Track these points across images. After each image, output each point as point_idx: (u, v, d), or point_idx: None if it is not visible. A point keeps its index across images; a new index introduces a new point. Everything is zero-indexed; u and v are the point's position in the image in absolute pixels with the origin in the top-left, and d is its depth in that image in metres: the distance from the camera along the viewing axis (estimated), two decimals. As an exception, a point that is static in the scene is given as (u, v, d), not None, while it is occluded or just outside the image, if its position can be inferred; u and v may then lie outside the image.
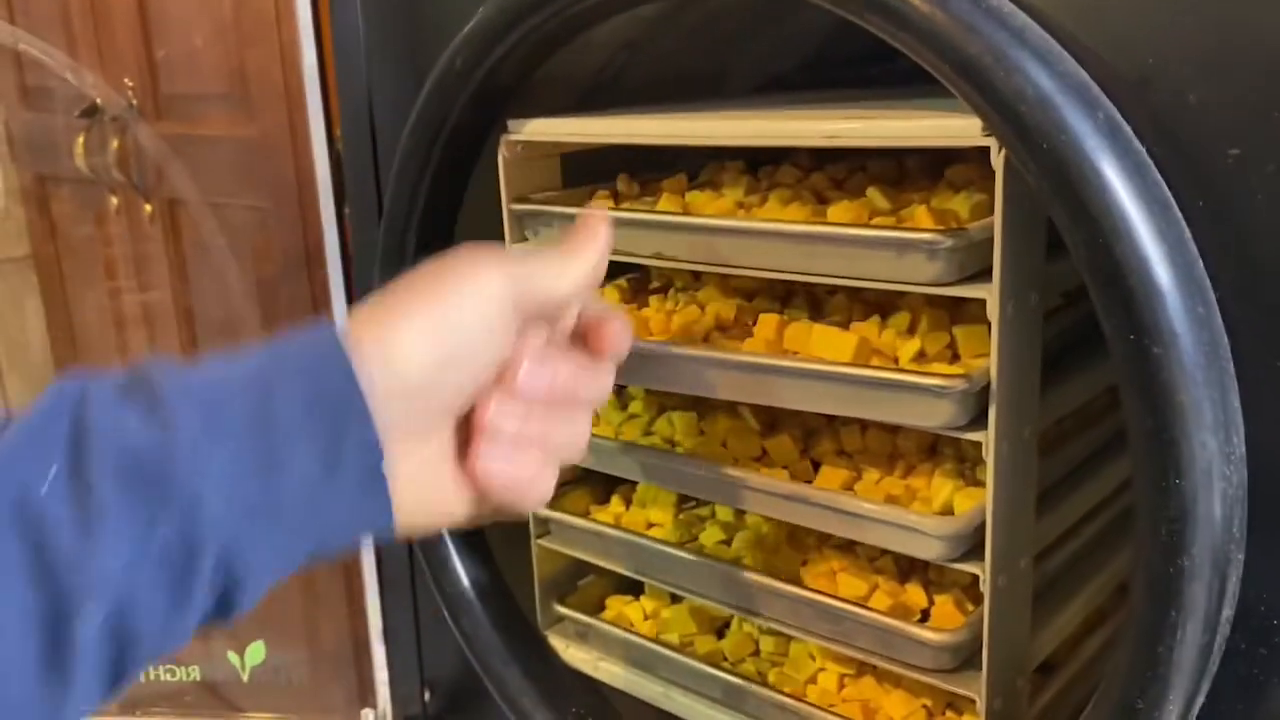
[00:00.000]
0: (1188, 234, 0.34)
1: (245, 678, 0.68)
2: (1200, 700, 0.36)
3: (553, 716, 0.58)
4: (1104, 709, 0.36)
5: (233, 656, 0.67)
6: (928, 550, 0.42)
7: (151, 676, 0.70)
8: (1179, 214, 0.34)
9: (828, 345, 0.44)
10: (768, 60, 0.68)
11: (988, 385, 0.39)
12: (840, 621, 0.46)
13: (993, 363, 0.39)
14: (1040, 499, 0.46)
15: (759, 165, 0.56)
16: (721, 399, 0.49)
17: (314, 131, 0.58)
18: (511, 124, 0.53)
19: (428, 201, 0.55)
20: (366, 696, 0.67)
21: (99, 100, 1.02)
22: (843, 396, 0.42)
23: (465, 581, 0.60)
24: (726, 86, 0.67)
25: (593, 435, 0.54)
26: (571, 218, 0.53)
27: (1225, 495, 0.33)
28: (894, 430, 0.49)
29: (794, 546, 0.52)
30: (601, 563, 0.57)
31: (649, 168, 0.58)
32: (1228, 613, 0.35)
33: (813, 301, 0.52)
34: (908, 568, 0.49)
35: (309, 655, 0.74)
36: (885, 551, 0.49)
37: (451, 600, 0.60)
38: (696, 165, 0.58)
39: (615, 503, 0.59)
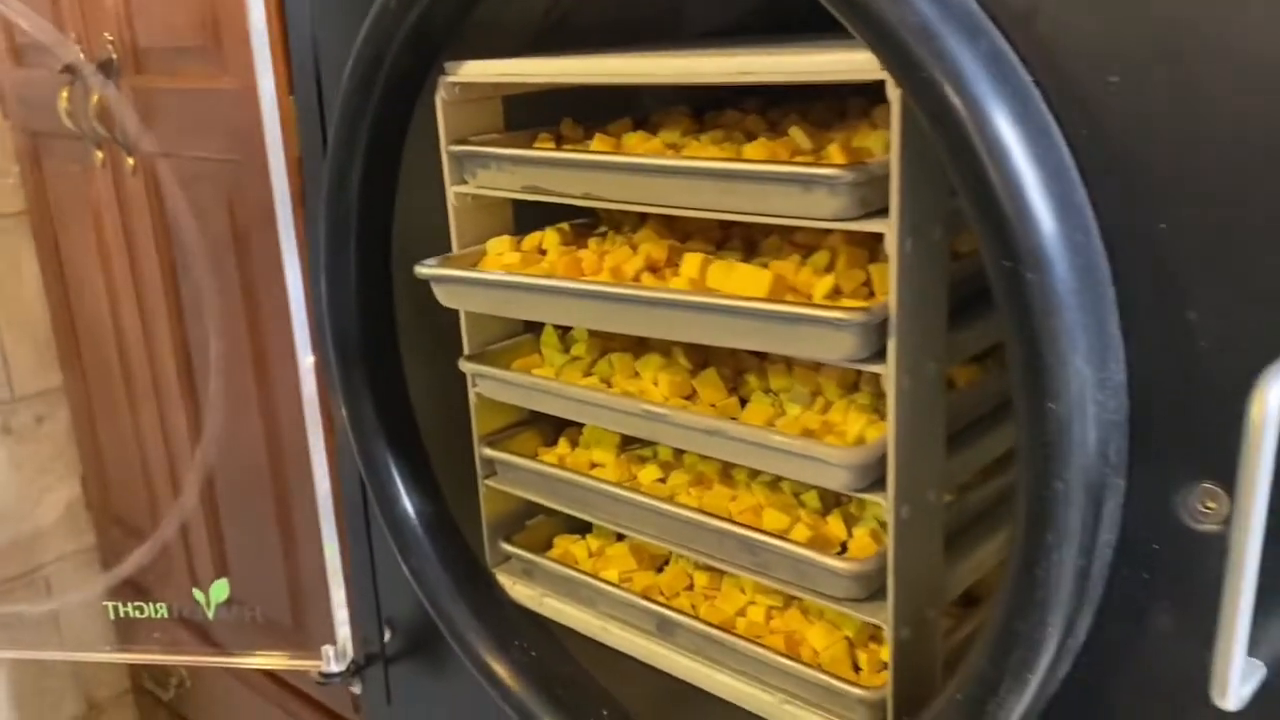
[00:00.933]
0: (1069, 161, 0.34)
1: (210, 614, 0.69)
2: (1084, 623, 0.37)
3: (499, 652, 0.59)
4: (989, 632, 0.37)
5: (198, 594, 0.69)
6: (834, 480, 0.42)
7: (121, 614, 0.72)
8: (1060, 141, 0.34)
9: (745, 283, 0.45)
10: (721, 6, 0.67)
11: (887, 319, 0.40)
12: (759, 553, 0.47)
13: (891, 297, 0.39)
14: (958, 435, 0.46)
15: (706, 111, 0.56)
16: (640, 335, 0.49)
17: (261, 80, 0.59)
18: (449, 65, 0.53)
19: (370, 144, 0.56)
20: (328, 634, 0.68)
21: (81, 54, 1.03)
22: (751, 331, 0.43)
23: (414, 520, 0.61)
24: (678, 33, 0.67)
25: (536, 376, 0.56)
26: (509, 159, 0.53)
27: (1100, 421, 0.34)
28: (817, 368, 0.49)
29: (725, 484, 0.53)
30: (546, 502, 0.58)
31: (600, 115, 0.58)
32: (1108, 537, 0.35)
33: (749, 245, 0.52)
34: (832, 503, 0.50)
35: (273, 593, 0.75)
36: (812, 488, 0.50)
37: (401, 539, 0.61)
38: (648, 111, 0.58)
39: (562, 445, 0.60)
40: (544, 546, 0.61)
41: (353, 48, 0.54)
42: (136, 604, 0.71)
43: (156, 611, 0.70)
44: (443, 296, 0.54)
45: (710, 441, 0.46)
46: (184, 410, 1.06)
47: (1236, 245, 0.32)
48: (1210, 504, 0.34)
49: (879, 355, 0.40)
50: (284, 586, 0.94)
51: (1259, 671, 0.34)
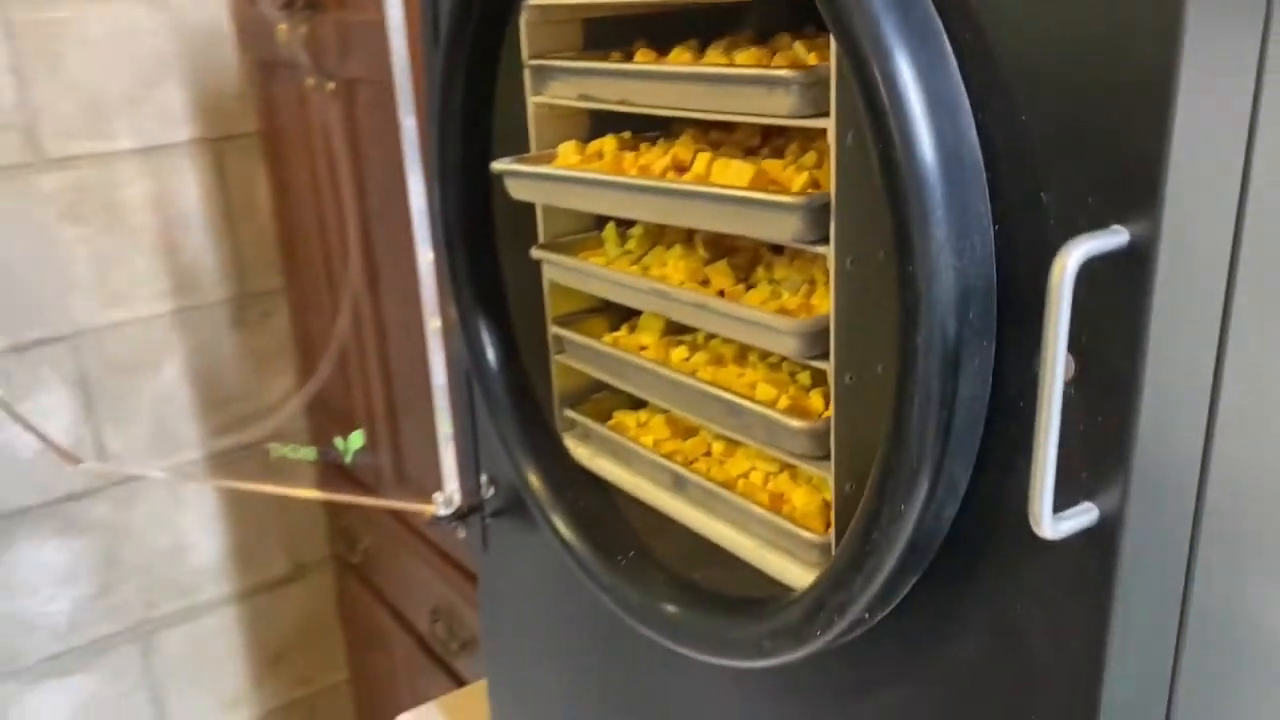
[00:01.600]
0: (953, 64, 0.39)
1: (348, 459, 0.83)
2: (962, 470, 0.42)
3: (555, 499, 0.68)
4: (875, 470, 0.43)
5: (338, 441, 0.82)
6: (786, 347, 0.49)
7: (275, 454, 0.87)
8: (947, 45, 0.39)
9: (735, 176, 0.51)
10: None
11: (828, 204, 0.46)
12: (742, 415, 0.54)
13: (831, 184, 0.45)
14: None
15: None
16: (648, 221, 0.57)
17: (390, 11, 0.69)
18: (531, -9, 0.62)
19: (469, 61, 0.65)
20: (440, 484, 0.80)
21: (296, -9, 1.18)
22: (722, 215, 0.50)
23: (501, 387, 0.71)
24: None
25: (584, 261, 0.64)
26: (567, 70, 0.61)
27: (959, 286, 0.39)
28: (814, 260, 0.55)
29: (738, 364, 0.60)
30: (597, 375, 0.66)
31: (677, 37, 0.65)
32: (972, 392, 0.40)
33: (776, 152, 0.59)
34: (821, 380, 0.56)
35: (398, 446, 0.87)
36: (805, 368, 0.56)
37: (491, 401, 0.72)
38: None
39: (623, 330, 0.68)
40: (605, 418, 0.70)
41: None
42: (292, 444, 0.85)
43: (307, 454, 0.84)
44: (511, 189, 0.64)
45: (699, 314, 0.54)
46: (369, 304, 1.22)
47: (1081, 137, 0.36)
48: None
49: (825, 239, 0.46)
50: (412, 445, 1.08)
51: (1090, 514, 0.38)
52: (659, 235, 0.64)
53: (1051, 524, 0.37)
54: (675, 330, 0.66)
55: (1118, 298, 0.36)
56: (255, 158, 1.51)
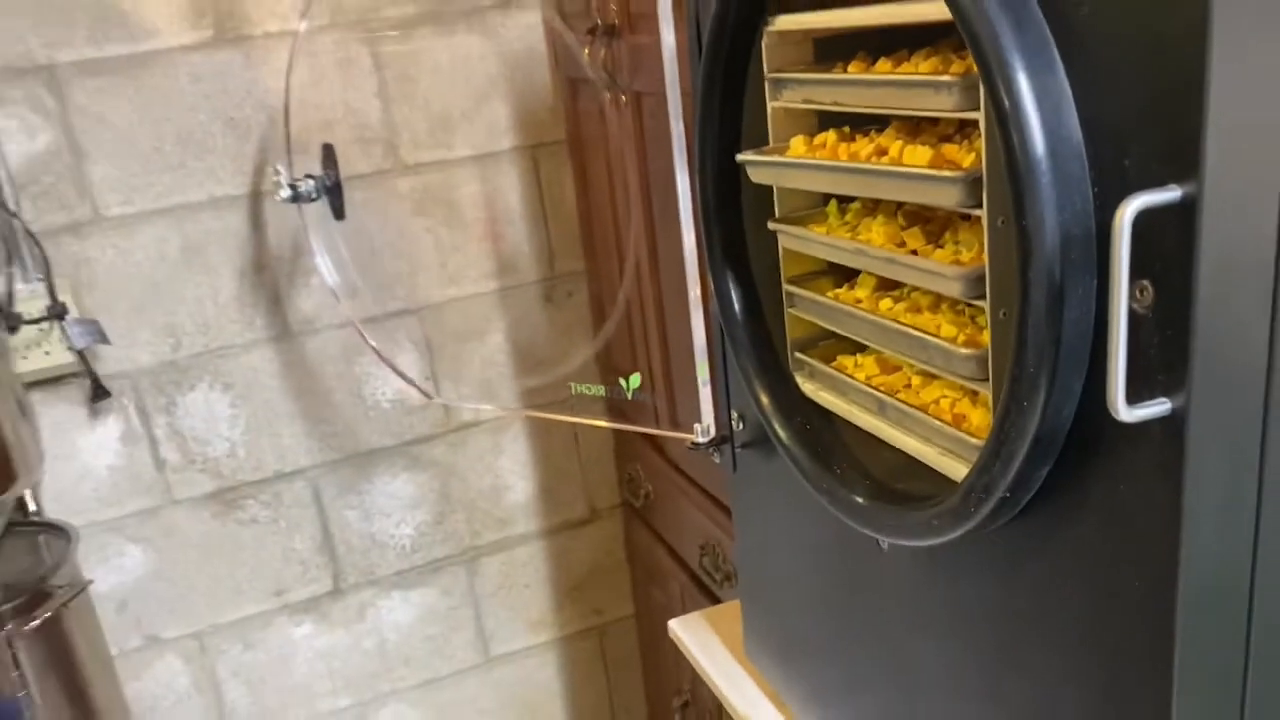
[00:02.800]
0: (1056, 56, 0.50)
1: (629, 395, 1.01)
2: (1076, 378, 0.53)
3: (787, 424, 0.83)
4: (1005, 390, 0.55)
5: (622, 381, 1.01)
6: (953, 289, 0.62)
7: (575, 391, 1.07)
8: (1049, 37, 0.51)
9: (919, 157, 0.65)
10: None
11: (980, 178, 0.58)
12: (928, 348, 0.67)
13: (983, 160, 0.58)
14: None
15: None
16: (845, 193, 0.70)
17: (664, 35, 0.87)
18: (769, 19, 0.77)
19: (725, 73, 0.82)
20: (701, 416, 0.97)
21: (599, 20, 1.39)
22: (908, 187, 0.63)
23: (745, 335, 0.87)
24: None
25: (807, 229, 0.78)
26: (804, 81, 0.76)
27: (1063, 235, 0.50)
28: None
29: (931, 312, 0.72)
30: (824, 324, 0.81)
31: (892, 49, 0.78)
32: (1077, 315, 0.52)
33: (964, 139, 0.71)
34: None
35: (669, 390, 1.04)
36: (977, 309, 0.68)
37: (736, 346, 0.88)
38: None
39: (844, 288, 0.82)
40: (827, 361, 0.84)
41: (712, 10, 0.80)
42: (586, 385, 1.05)
43: (595, 391, 1.03)
44: (753, 175, 0.79)
45: (889, 267, 0.67)
46: (648, 275, 1.41)
47: (1147, 119, 0.47)
48: (1140, 294, 0.49)
49: (980, 204, 0.59)
50: (679, 389, 1.25)
51: (1163, 406, 0.49)
52: (872, 209, 0.78)
53: (1126, 410, 0.49)
54: (885, 287, 0.79)
55: (1176, 241, 0.47)
56: (563, 161, 1.75)
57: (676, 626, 1.22)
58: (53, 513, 1.59)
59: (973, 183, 0.58)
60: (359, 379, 1.74)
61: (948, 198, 0.60)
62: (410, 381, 1.46)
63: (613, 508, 1.98)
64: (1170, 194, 0.46)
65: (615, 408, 1.36)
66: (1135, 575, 0.54)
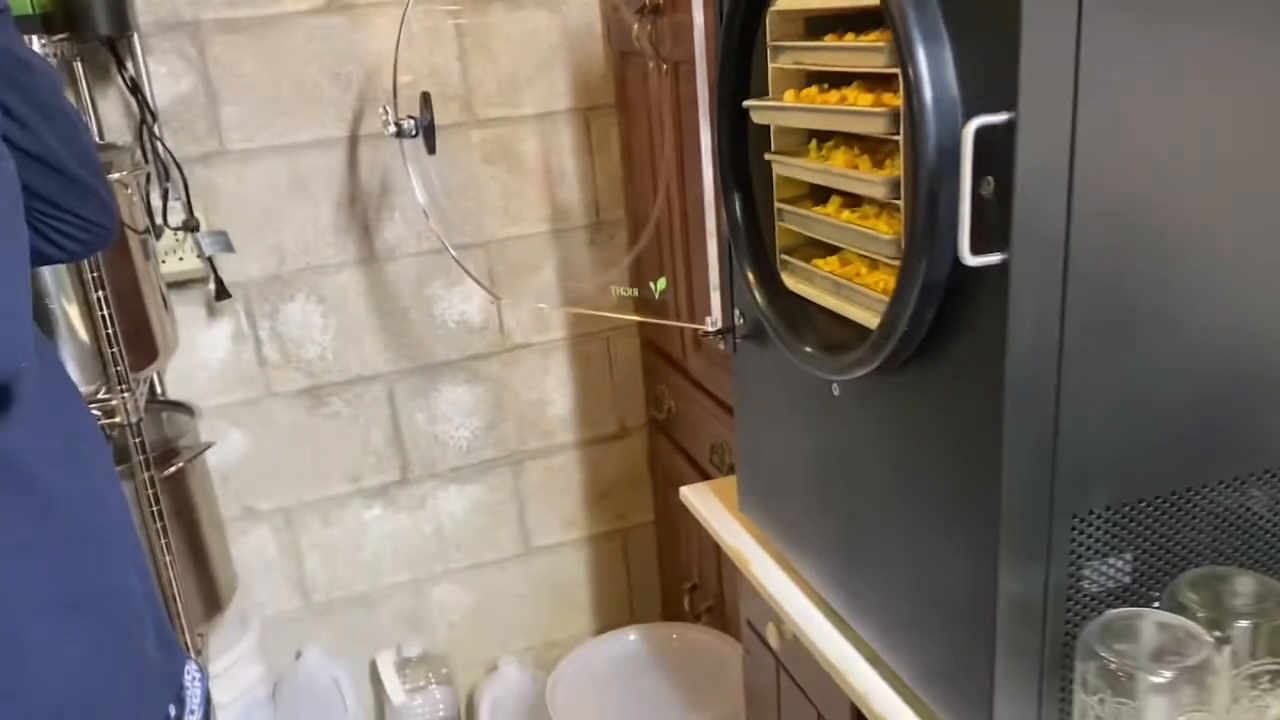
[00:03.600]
0: (944, 30, 0.76)
1: (657, 296, 1.27)
2: (947, 249, 0.79)
3: (775, 311, 1.09)
4: (903, 256, 0.81)
5: (652, 284, 1.27)
6: (879, 193, 0.87)
7: (614, 293, 1.33)
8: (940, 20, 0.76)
9: (864, 101, 0.90)
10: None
11: (899, 113, 0.84)
12: (868, 239, 0.93)
13: (902, 100, 0.83)
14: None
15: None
16: (819, 128, 0.96)
17: (695, 14, 1.13)
18: (773, 2, 1.03)
19: (739, 45, 1.07)
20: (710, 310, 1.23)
21: (645, 1, 1.65)
22: (854, 121, 0.89)
23: (747, 242, 1.13)
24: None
25: (791, 159, 1.04)
26: (796, 48, 1.02)
27: (939, 146, 0.76)
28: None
29: (876, 218, 0.98)
30: (804, 231, 1.07)
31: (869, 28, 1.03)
32: (950, 201, 0.77)
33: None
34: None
35: (690, 292, 1.28)
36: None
37: (739, 251, 1.14)
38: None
39: (820, 206, 1.08)
40: (807, 261, 1.10)
41: (730, -6, 1.06)
42: (626, 288, 1.32)
43: (629, 292, 1.30)
44: (755, 117, 1.05)
45: (843, 181, 0.93)
46: (677, 201, 1.67)
47: (995, 69, 0.73)
48: (986, 184, 0.75)
49: (898, 132, 0.84)
50: (696, 287, 1.52)
51: (998, 257, 0.75)
52: (837, 146, 1.03)
53: (971, 258, 0.74)
54: (848, 205, 1.04)
55: (1006, 149, 0.72)
56: (611, 122, 2.01)
57: (687, 492, 1.48)
58: (173, 396, 1.89)
59: (894, 116, 0.84)
60: (430, 300, 2.02)
61: (877, 126, 0.86)
62: (477, 280, 1.74)
63: (640, 426, 2.25)
64: (1000, 117, 0.72)
65: (646, 307, 1.63)
66: (982, 376, 0.80)
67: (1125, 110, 0.73)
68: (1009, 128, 0.72)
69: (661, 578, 2.33)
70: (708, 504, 1.44)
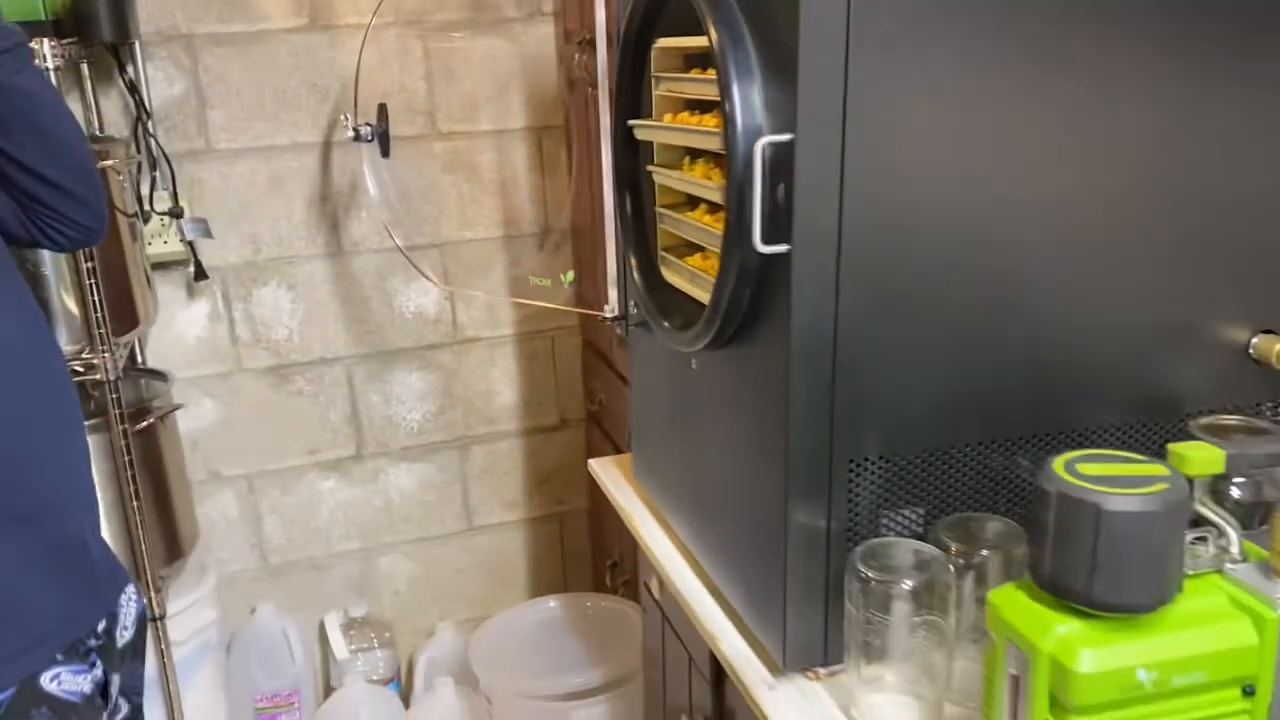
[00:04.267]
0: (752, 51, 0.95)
1: (566, 285, 1.46)
2: (748, 248, 0.98)
3: (653, 300, 1.28)
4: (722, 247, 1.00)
5: (562, 275, 1.45)
6: (715, 196, 1.06)
7: (531, 282, 1.51)
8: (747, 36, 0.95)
9: (712, 123, 1.09)
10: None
11: (729, 132, 1.03)
12: (707, 234, 1.12)
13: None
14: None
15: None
16: (685, 145, 1.16)
17: (599, 47, 1.32)
18: (656, 40, 1.22)
19: (631, 73, 1.26)
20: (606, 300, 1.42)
21: (586, 35, 1.85)
22: (704, 139, 1.08)
23: (635, 245, 1.32)
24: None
25: (673, 173, 1.23)
26: (671, 79, 1.21)
27: (746, 158, 0.95)
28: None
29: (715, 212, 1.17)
30: (677, 232, 1.25)
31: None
32: (765, 199, 0.96)
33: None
34: (753, 226, 1.12)
35: (595, 281, 1.45)
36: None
37: (631, 254, 1.33)
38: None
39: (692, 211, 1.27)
40: (680, 258, 1.29)
41: (624, 28, 1.25)
42: (539, 278, 1.50)
43: (545, 281, 1.49)
44: (638, 134, 1.24)
45: (697, 188, 1.12)
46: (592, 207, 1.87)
47: (778, 94, 0.92)
48: (778, 191, 0.94)
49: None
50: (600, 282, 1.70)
51: (785, 246, 0.93)
52: (708, 160, 1.22)
53: (762, 246, 0.93)
54: (713, 211, 1.23)
55: (788, 160, 0.91)
56: (560, 140, 2.21)
57: (595, 465, 1.67)
58: (152, 366, 2.07)
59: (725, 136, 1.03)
60: (390, 293, 2.21)
61: (715, 144, 1.05)
62: (420, 270, 1.94)
63: (579, 420, 2.43)
64: (784, 137, 0.91)
65: (561, 296, 1.83)
66: (777, 345, 0.98)
67: (883, 133, 0.92)
68: (790, 146, 0.91)
69: (592, 559, 2.50)
70: (610, 474, 1.62)
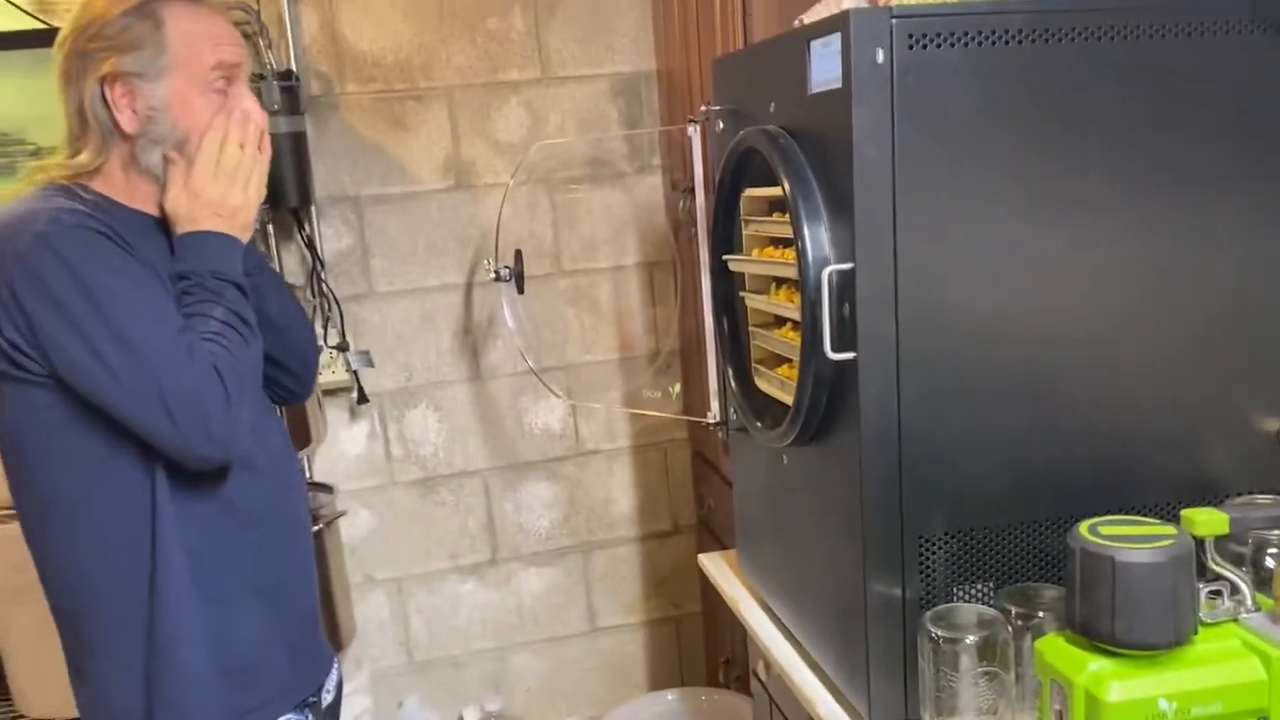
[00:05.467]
0: (821, 204, 1.15)
1: (674, 398, 1.64)
2: (828, 357, 1.15)
3: (748, 405, 1.45)
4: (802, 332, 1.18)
5: (670, 388, 1.64)
6: (795, 314, 1.25)
7: (644, 395, 1.70)
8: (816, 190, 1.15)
9: (789, 257, 1.28)
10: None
11: (804, 263, 1.22)
12: (791, 348, 1.30)
13: (805, 256, 1.21)
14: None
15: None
16: (772, 275, 1.35)
17: (698, 195, 1.54)
18: (745, 189, 1.43)
19: (724, 215, 1.47)
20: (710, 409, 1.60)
21: (689, 185, 2.09)
22: (785, 270, 1.27)
23: (732, 359, 1.50)
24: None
25: (761, 298, 1.43)
26: (758, 221, 1.41)
27: (816, 281, 1.14)
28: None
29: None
30: (768, 347, 1.44)
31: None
32: (838, 317, 1.14)
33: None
34: (830, 340, 1.29)
35: (700, 392, 1.61)
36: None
37: (729, 367, 1.51)
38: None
39: (780, 329, 1.45)
40: (771, 368, 1.46)
41: (718, 179, 1.47)
42: (650, 390, 1.69)
43: (654, 395, 1.67)
44: (731, 267, 1.44)
45: (784, 309, 1.30)
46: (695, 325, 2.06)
47: (842, 229, 1.11)
48: (844, 308, 1.11)
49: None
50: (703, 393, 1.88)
51: (851, 354, 1.11)
52: (790, 286, 1.41)
53: (831, 353, 1.11)
54: (796, 328, 1.41)
55: (851, 283, 1.09)
56: (668, 273, 2.44)
57: (704, 559, 1.82)
58: (319, 479, 2.33)
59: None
60: (521, 411, 2.44)
61: (791, 272, 1.23)
62: (549, 387, 2.16)
63: (690, 525, 2.59)
64: (847, 265, 1.09)
65: (671, 407, 2.01)
66: (851, 440, 1.14)
67: (929, 257, 1.09)
68: (852, 272, 1.09)
69: (706, 658, 2.61)
70: (717, 566, 1.77)
